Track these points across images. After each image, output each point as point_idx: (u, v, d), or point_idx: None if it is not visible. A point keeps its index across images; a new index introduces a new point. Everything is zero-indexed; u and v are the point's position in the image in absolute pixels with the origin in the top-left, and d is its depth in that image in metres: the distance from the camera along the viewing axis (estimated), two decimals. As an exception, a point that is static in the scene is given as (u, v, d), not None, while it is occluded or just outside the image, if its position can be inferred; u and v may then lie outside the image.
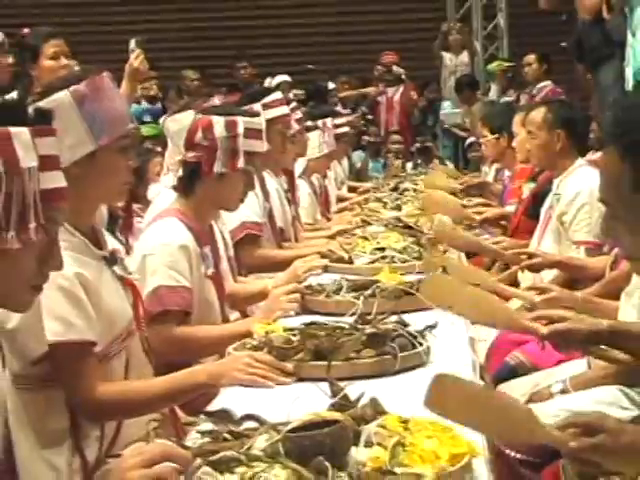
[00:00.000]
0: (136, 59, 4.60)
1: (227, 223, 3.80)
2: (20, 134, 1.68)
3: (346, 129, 7.49)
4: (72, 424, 2.42)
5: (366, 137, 11.50)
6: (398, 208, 5.57)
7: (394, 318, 2.79)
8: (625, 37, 7.53)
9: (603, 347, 2.61)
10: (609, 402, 2.84)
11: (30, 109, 1.78)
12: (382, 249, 3.95)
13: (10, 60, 4.81)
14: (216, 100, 4.13)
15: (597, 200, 1.76)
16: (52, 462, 2.39)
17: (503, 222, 5.49)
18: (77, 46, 5.22)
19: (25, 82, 4.77)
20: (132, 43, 4.67)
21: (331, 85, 11.42)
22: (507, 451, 2.83)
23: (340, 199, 7.18)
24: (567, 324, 2.53)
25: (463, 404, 1.84)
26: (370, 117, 11.71)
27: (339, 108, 9.52)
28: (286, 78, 10.24)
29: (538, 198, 4.93)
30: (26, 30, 4.98)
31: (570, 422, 1.90)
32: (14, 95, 4.39)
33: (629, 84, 5.78)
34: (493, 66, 11.21)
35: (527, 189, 5.41)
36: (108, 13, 12.41)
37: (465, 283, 2.96)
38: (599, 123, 5.84)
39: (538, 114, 4.65)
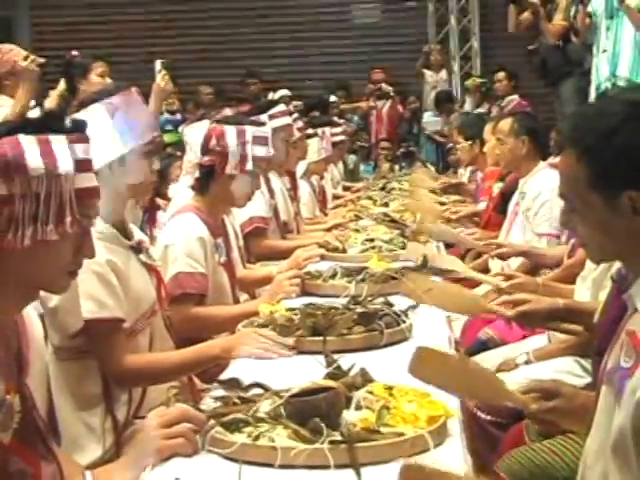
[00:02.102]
0: (162, 79, 4.58)
1: (237, 217, 3.79)
2: (58, 141, 1.69)
3: (342, 137, 7.47)
4: (104, 390, 2.43)
5: (358, 142, 11.48)
6: (386, 205, 5.57)
7: (381, 299, 2.79)
8: (582, 58, 7.54)
9: (561, 323, 2.62)
10: (566, 371, 2.85)
11: (68, 119, 1.79)
12: (372, 240, 3.94)
13: None
14: (228, 111, 4.10)
15: (557, 196, 1.77)
16: (88, 422, 2.41)
17: (476, 218, 5.50)
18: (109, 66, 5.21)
19: (69, 98, 4.78)
20: (158, 64, 4.64)
21: (332, 98, 11.42)
22: (478, 413, 2.84)
23: (336, 197, 7.15)
24: (529, 305, 2.54)
25: (441, 371, 1.85)
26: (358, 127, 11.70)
27: (335, 118, 9.49)
28: (286, 92, 10.21)
29: (506, 196, 4.93)
30: (74, 52, 4.98)
31: (531, 387, 1.91)
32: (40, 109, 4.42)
33: (592, 96, 5.77)
34: (468, 82, 11.19)
35: (496, 188, 5.41)
36: (136, 37, 12.44)
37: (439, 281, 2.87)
38: (558, 131, 5.84)
39: (506, 123, 4.65)
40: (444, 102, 11.14)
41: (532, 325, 2.83)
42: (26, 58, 4.42)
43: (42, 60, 4.46)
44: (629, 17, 5.94)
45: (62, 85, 4.89)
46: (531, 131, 4.54)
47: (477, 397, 1.98)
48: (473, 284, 4.00)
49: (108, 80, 4.74)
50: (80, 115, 2.30)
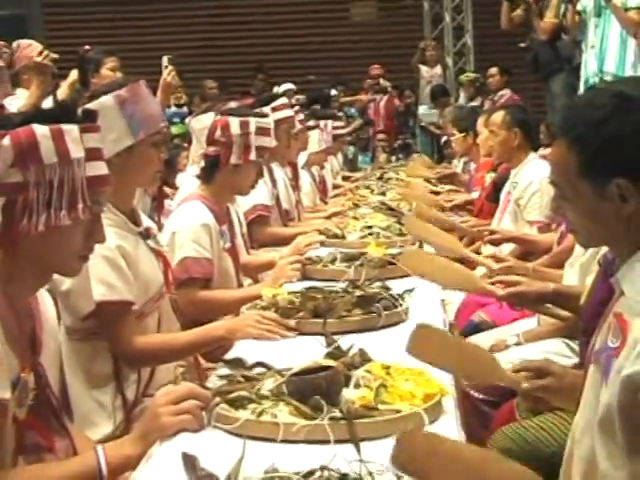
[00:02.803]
0: (169, 75, 4.56)
1: (241, 205, 3.79)
2: (70, 130, 1.68)
3: (343, 132, 7.45)
4: (114, 369, 2.43)
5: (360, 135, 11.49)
6: (383, 194, 5.56)
7: (379, 283, 2.79)
8: (571, 55, 7.54)
9: (549, 306, 2.62)
10: (555, 352, 2.85)
11: (79, 110, 1.79)
12: (369, 227, 3.93)
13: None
14: (232, 104, 4.09)
15: (548, 183, 1.76)
16: (99, 400, 2.40)
17: (469, 207, 5.49)
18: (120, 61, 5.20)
19: (82, 91, 4.76)
20: (165, 60, 4.62)
21: (333, 92, 11.43)
22: (471, 392, 2.84)
23: (335, 186, 7.15)
24: (520, 287, 2.54)
25: (438, 350, 1.84)
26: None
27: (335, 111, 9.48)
28: (290, 86, 10.20)
29: (498, 185, 4.93)
30: (87, 47, 4.97)
31: (523, 366, 1.91)
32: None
33: (581, 91, 5.76)
34: (462, 77, 11.18)
35: (489, 178, 5.41)
36: (142, 34, 12.44)
37: (436, 256, 2.94)
38: (548, 124, 5.84)
39: (498, 116, 4.64)
40: (439, 96, 11.13)
41: (522, 305, 2.83)
42: (40, 53, 4.42)
43: (56, 55, 4.45)
44: (615, 15, 5.94)
45: (73, 75, 4.88)
46: (522, 123, 4.54)
47: (472, 375, 1.98)
48: (468, 266, 4.00)
49: (119, 74, 4.73)
50: (91, 106, 2.29)
